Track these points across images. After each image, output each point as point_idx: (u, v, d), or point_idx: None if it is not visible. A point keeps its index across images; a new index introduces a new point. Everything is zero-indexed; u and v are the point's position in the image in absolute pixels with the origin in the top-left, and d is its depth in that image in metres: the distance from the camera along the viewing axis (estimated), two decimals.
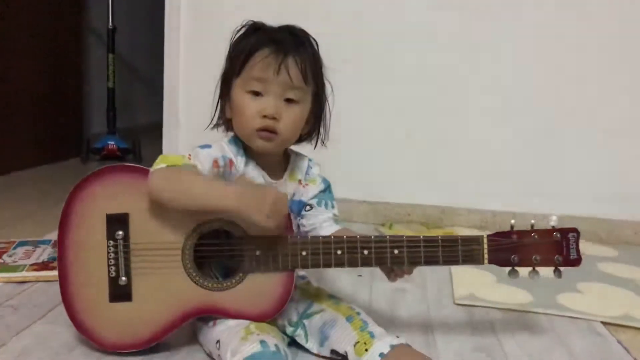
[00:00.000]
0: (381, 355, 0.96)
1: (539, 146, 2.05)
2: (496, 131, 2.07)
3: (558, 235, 1.05)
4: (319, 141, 1.14)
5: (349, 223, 2.09)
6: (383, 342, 0.97)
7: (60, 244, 1.03)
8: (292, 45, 1.03)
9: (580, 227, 1.08)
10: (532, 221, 1.06)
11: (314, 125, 1.12)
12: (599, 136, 2.01)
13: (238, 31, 1.08)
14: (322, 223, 1.13)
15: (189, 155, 1.01)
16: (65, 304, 1.03)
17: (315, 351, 1.07)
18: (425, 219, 2.12)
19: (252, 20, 1.08)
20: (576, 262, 1.06)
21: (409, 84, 2.07)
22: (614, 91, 1.99)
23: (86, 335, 1.04)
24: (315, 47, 1.08)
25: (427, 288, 1.47)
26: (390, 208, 2.14)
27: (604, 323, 1.30)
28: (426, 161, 2.10)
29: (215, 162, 1.03)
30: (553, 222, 1.05)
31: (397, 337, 1.00)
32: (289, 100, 1.03)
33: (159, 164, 0.98)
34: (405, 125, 2.09)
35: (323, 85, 1.10)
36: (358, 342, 0.99)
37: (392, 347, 0.97)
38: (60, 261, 1.03)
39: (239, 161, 1.07)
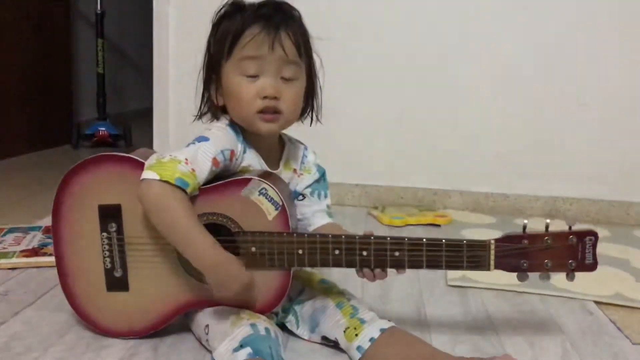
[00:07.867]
0: (371, 339, 0.95)
1: (530, 128, 2.04)
2: (488, 113, 2.06)
3: (574, 239, 0.97)
4: (314, 118, 1.11)
5: (342, 207, 2.08)
6: (373, 327, 0.97)
7: (55, 235, 1.02)
8: (282, 19, 0.99)
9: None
10: (547, 221, 0.98)
11: (307, 102, 1.09)
12: (590, 117, 2.01)
13: (218, 12, 1.04)
14: (313, 214, 1.13)
15: (186, 159, 0.93)
16: (64, 291, 1.04)
17: (306, 337, 1.06)
18: (418, 201, 2.11)
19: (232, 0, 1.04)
20: (592, 267, 0.98)
21: (401, 65, 2.05)
22: (606, 71, 1.98)
23: (86, 320, 1.05)
24: (301, 19, 1.05)
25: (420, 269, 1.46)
26: (383, 191, 2.13)
27: (596, 302, 1.30)
28: (418, 144, 2.09)
29: (215, 160, 0.96)
30: (569, 221, 0.98)
31: (389, 321, 0.99)
32: (285, 79, 1.00)
33: (152, 172, 0.91)
34: (397, 108, 2.08)
35: (312, 58, 1.07)
36: (348, 327, 0.99)
37: (382, 330, 0.96)
38: (56, 251, 1.03)
39: (239, 148, 1.02)
